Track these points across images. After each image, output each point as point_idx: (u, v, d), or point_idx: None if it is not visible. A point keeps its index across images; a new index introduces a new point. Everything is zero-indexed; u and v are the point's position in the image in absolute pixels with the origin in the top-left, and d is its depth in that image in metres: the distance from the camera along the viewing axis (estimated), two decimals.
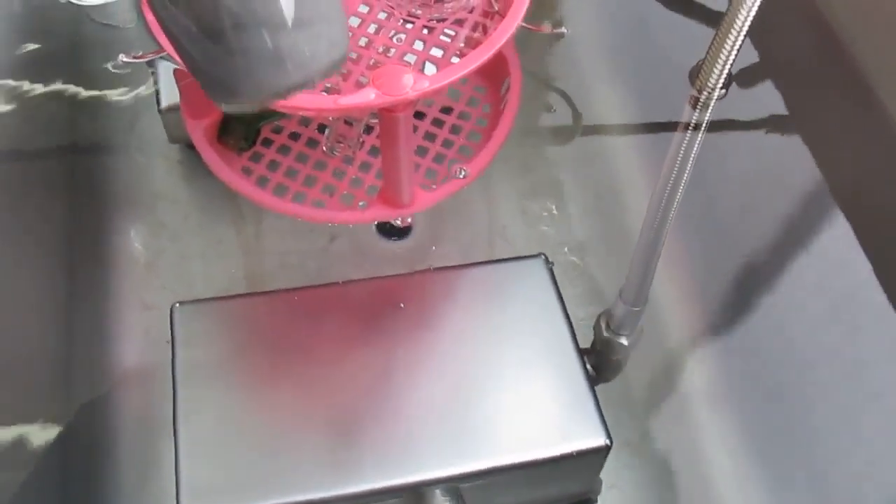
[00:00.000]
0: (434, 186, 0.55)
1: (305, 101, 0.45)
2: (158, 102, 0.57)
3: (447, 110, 0.59)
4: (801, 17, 0.70)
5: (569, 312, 0.48)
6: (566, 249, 0.58)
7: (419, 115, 0.58)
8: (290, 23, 0.29)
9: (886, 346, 0.55)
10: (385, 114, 0.46)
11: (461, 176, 0.55)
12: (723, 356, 0.55)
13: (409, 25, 0.54)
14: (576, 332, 0.47)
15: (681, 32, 0.70)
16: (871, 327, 0.55)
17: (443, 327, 0.47)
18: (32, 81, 0.65)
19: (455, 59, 0.52)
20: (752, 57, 0.67)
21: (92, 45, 0.68)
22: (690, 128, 0.49)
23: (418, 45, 0.53)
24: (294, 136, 0.58)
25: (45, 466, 0.49)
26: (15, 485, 0.49)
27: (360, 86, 0.50)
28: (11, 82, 0.65)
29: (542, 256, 0.50)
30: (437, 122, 0.58)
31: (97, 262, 0.57)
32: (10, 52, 0.67)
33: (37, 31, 0.69)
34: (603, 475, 0.49)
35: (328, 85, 0.51)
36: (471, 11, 0.54)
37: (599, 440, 0.44)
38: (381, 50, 0.53)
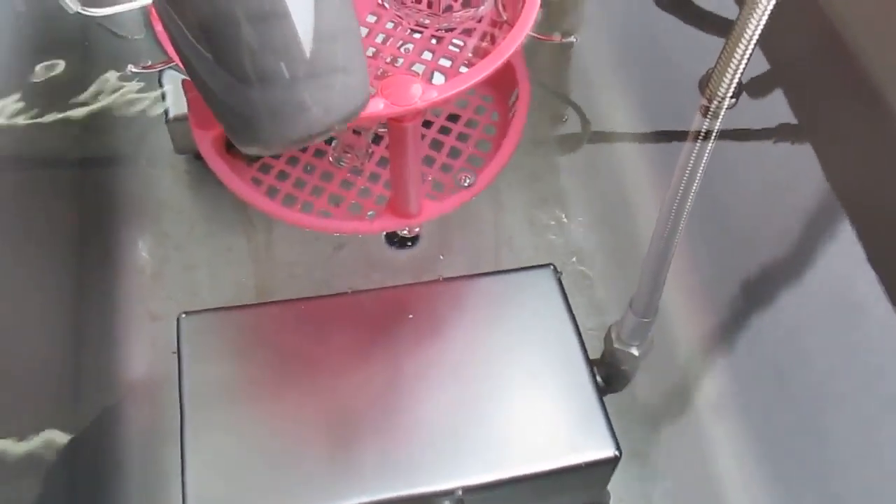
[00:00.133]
0: (442, 196, 0.54)
1: None
2: (166, 113, 0.57)
3: (454, 118, 0.59)
4: (811, 26, 0.70)
5: (578, 323, 0.48)
6: (574, 259, 0.58)
7: (427, 125, 0.58)
8: (315, 75, 0.29)
9: None
10: (393, 124, 0.45)
11: (466, 185, 0.55)
12: (733, 366, 0.54)
13: (417, 35, 0.54)
14: (585, 342, 0.47)
15: (690, 41, 0.70)
16: (883, 336, 0.55)
17: (451, 337, 0.47)
18: (41, 92, 0.65)
19: (463, 69, 0.52)
20: (763, 66, 0.67)
21: (101, 56, 0.68)
22: (701, 137, 0.49)
23: (427, 56, 0.53)
24: (302, 147, 0.58)
25: (52, 477, 0.49)
26: (22, 495, 0.49)
27: None
28: (20, 92, 0.65)
29: (552, 267, 0.50)
30: (445, 131, 0.58)
31: (104, 272, 0.57)
32: (19, 63, 0.67)
33: (46, 42, 0.69)
34: (611, 487, 0.48)
35: None
36: (479, 21, 0.54)
37: (608, 451, 0.44)
38: (389, 60, 0.53)
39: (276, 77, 0.29)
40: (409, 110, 0.43)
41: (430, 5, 0.54)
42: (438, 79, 0.53)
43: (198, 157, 0.57)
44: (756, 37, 0.40)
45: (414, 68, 0.53)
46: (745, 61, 0.41)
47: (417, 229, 0.58)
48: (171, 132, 0.59)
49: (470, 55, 0.53)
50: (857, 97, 0.66)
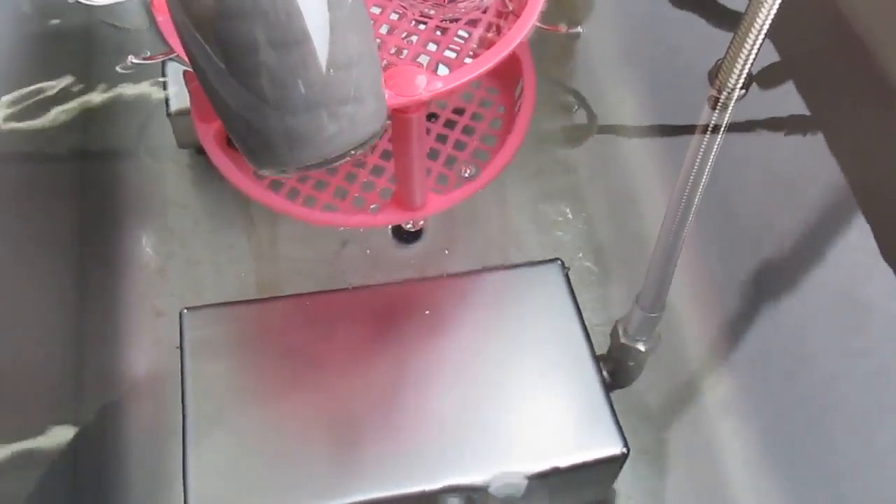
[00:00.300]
0: (447, 190, 0.54)
1: None
2: (168, 106, 0.57)
3: (460, 111, 0.58)
4: (821, 17, 0.69)
5: (584, 318, 0.47)
6: (581, 255, 0.58)
7: (431, 118, 0.57)
8: (334, 100, 0.30)
9: None
10: (397, 115, 0.45)
11: (466, 175, 0.54)
12: (741, 363, 0.54)
13: (421, 27, 0.53)
14: (591, 338, 0.47)
15: (699, 32, 0.69)
16: (893, 336, 0.54)
17: (456, 333, 0.47)
18: (41, 84, 0.65)
19: (468, 61, 0.51)
20: (772, 57, 0.66)
21: (102, 48, 0.68)
22: (710, 129, 0.48)
23: (431, 47, 0.53)
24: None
25: (55, 473, 0.49)
26: (25, 492, 0.48)
27: None
28: (20, 84, 0.65)
29: (558, 262, 0.49)
30: (450, 125, 0.58)
31: (107, 268, 0.57)
32: (19, 54, 0.67)
33: (45, 33, 0.69)
34: (618, 485, 0.48)
35: None
36: (484, 12, 0.54)
37: (616, 448, 0.43)
38: (393, 51, 0.52)
39: (295, 102, 0.30)
40: (414, 101, 0.42)
41: None
42: (443, 71, 0.52)
43: (201, 151, 0.57)
44: (767, 25, 0.39)
45: (418, 60, 0.52)
46: (755, 51, 0.41)
47: (422, 223, 0.57)
48: (173, 126, 0.58)
49: (475, 46, 0.52)
50: (870, 88, 0.65)
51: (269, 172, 0.33)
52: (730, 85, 0.42)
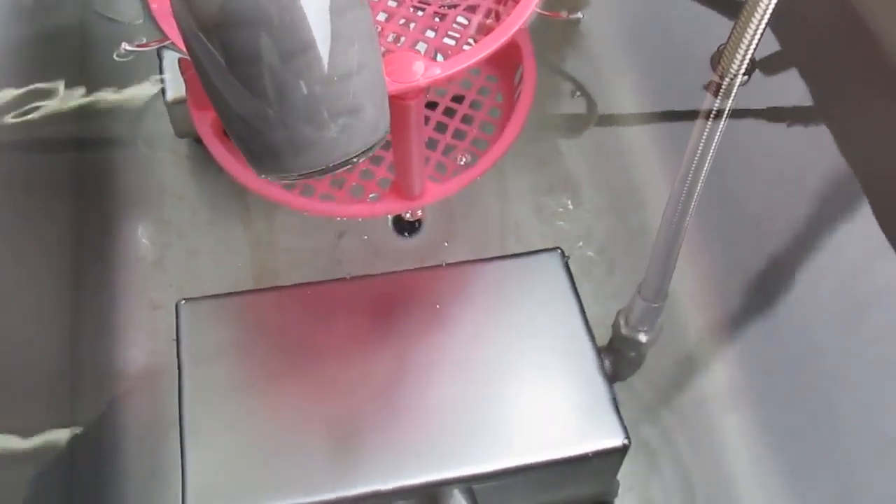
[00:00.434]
0: (446, 179, 0.54)
1: None
2: (164, 95, 0.56)
3: (459, 99, 0.58)
4: (827, 2, 0.68)
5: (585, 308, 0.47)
6: (581, 244, 0.57)
7: (431, 106, 0.57)
8: (338, 108, 0.30)
9: None
10: (396, 101, 0.44)
11: (462, 163, 0.54)
12: (744, 354, 0.54)
13: (419, 13, 0.53)
14: (592, 328, 0.46)
15: (702, 18, 0.69)
16: None
17: (456, 323, 0.46)
18: (36, 74, 0.65)
19: (468, 48, 0.51)
20: (774, 45, 0.66)
21: (97, 38, 0.67)
22: (712, 116, 0.47)
23: (430, 34, 0.52)
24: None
25: (52, 467, 0.49)
26: (21, 484, 0.48)
27: None
28: (15, 75, 0.65)
29: (558, 250, 0.49)
30: (450, 113, 0.57)
31: (104, 259, 0.57)
32: (13, 45, 0.66)
33: (41, 24, 0.68)
34: (620, 477, 0.48)
35: None
36: None
37: (617, 440, 0.43)
38: (391, 38, 0.52)
39: (298, 110, 0.30)
40: (412, 87, 0.42)
41: None
42: (442, 58, 0.52)
43: (198, 141, 0.56)
44: (770, 8, 0.39)
45: (416, 47, 0.52)
46: (759, 35, 0.40)
47: (420, 213, 0.57)
48: (170, 115, 0.58)
49: (474, 33, 0.52)
50: (875, 76, 0.65)
51: (272, 178, 0.33)
52: (732, 70, 0.41)
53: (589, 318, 0.47)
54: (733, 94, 0.46)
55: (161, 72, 0.57)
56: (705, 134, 0.45)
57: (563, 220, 0.59)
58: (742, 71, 0.41)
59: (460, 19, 0.53)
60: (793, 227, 0.58)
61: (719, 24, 0.65)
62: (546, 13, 0.59)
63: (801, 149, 0.63)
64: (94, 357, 0.53)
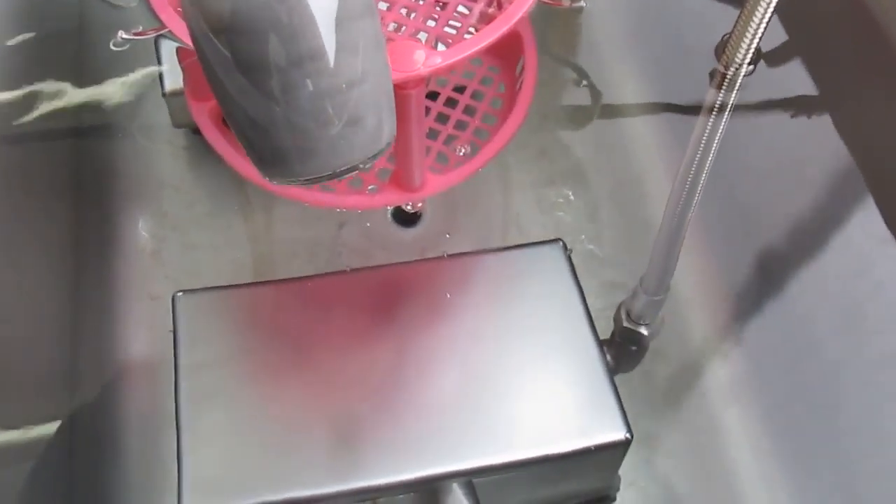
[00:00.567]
0: (447, 170, 0.53)
1: None
2: (162, 85, 0.56)
3: (460, 90, 0.57)
4: None
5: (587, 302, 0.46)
6: (583, 237, 0.57)
7: (432, 97, 0.57)
8: (347, 115, 0.30)
9: None
10: (396, 91, 0.44)
11: (462, 154, 0.53)
12: (746, 348, 0.53)
13: (420, 2, 0.52)
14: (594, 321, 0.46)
15: (707, 6, 0.68)
16: None
17: (456, 316, 0.46)
18: (32, 64, 0.64)
19: (469, 37, 0.50)
20: (781, 33, 0.65)
21: (93, 27, 0.67)
22: (716, 108, 0.47)
23: (431, 23, 0.52)
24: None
25: (49, 459, 0.49)
26: (20, 477, 0.48)
27: None
28: (11, 65, 0.64)
29: (560, 242, 0.48)
30: (451, 104, 0.57)
31: (101, 251, 0.57)
32: (8, 34, 0.66)
33: (36, 12, 0.68)
34: (622, 471, 0.47)
35: None
36: None
37: (619, 434, 0.42)
38: (392, 27, 0.52)
39: (306, 115, 0.30)
40: (412, 76, 0.41)
41: None
42: (443, 48, 0.51)
43: (196, 131, 0.56)
44: None
45: (418, 36, 0.52)
46: (764, 24, 0.39)
47: (420, 204, 0.56)
48: (168, 105, 0.57)
49: (475, 22, 0.52)
50: (882, 68, 0.64)
51: (279, 182, 0.33)
52: (737, 60, 0.41)
53: (591, 311, 0.46)
54: (738, 85, 0.45)
55: (158, 62, 0.57)
56: (709, 125, 0.45)
57: (564, 212, 0.58)
58: (747, 61, 0.41)
59: (461, 8, 0.53)
60: (796, 219, 0.58)
61: (724, 13, 0.64)
62: (548, 1, 0.59)
63: (806, 141, 0.62)
64: (92, 348, 0.53)
